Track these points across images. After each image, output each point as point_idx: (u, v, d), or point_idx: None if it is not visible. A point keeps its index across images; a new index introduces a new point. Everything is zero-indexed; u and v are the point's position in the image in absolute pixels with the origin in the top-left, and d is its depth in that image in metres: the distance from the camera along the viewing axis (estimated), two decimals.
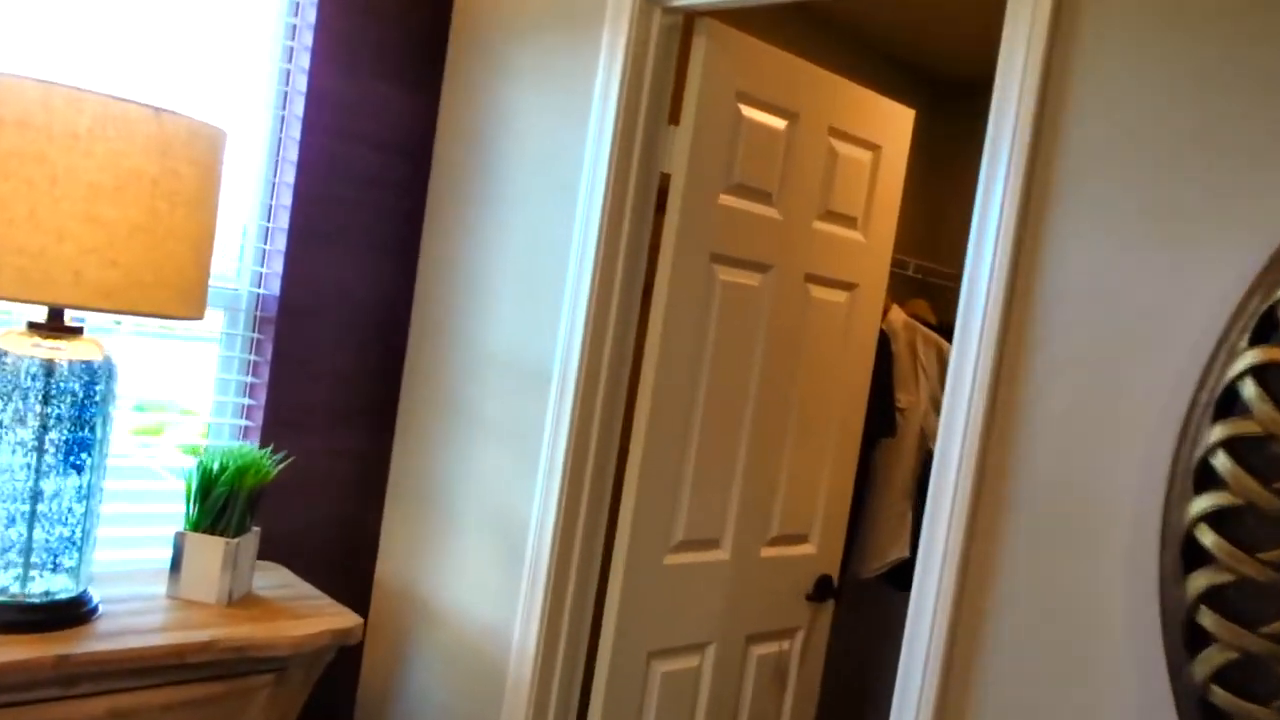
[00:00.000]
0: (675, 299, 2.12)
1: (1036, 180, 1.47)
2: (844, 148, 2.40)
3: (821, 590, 2.57)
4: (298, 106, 2.24)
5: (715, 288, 2.20)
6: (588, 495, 2.11)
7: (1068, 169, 1.45)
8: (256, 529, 1.96)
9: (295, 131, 2.24)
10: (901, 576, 3.23)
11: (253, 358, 2.26)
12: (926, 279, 3.26)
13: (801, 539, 2.52)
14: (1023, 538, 1.46)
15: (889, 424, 2.94)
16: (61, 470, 1.60)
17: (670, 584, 2.23)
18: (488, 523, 2.21)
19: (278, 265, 2.24)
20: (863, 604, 3.46)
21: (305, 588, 2.07)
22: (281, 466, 2.24)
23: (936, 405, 3.13)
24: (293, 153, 2.24)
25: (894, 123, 2.53)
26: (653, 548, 2.18)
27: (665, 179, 2.13)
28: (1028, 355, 1.46)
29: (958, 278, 3.31)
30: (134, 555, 2.15)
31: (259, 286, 2.27)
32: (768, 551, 2.44)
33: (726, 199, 2.17)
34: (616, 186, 2.05)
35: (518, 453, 2.16)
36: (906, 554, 3.14)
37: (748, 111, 2.18)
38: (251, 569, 1.97)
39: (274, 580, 2.09)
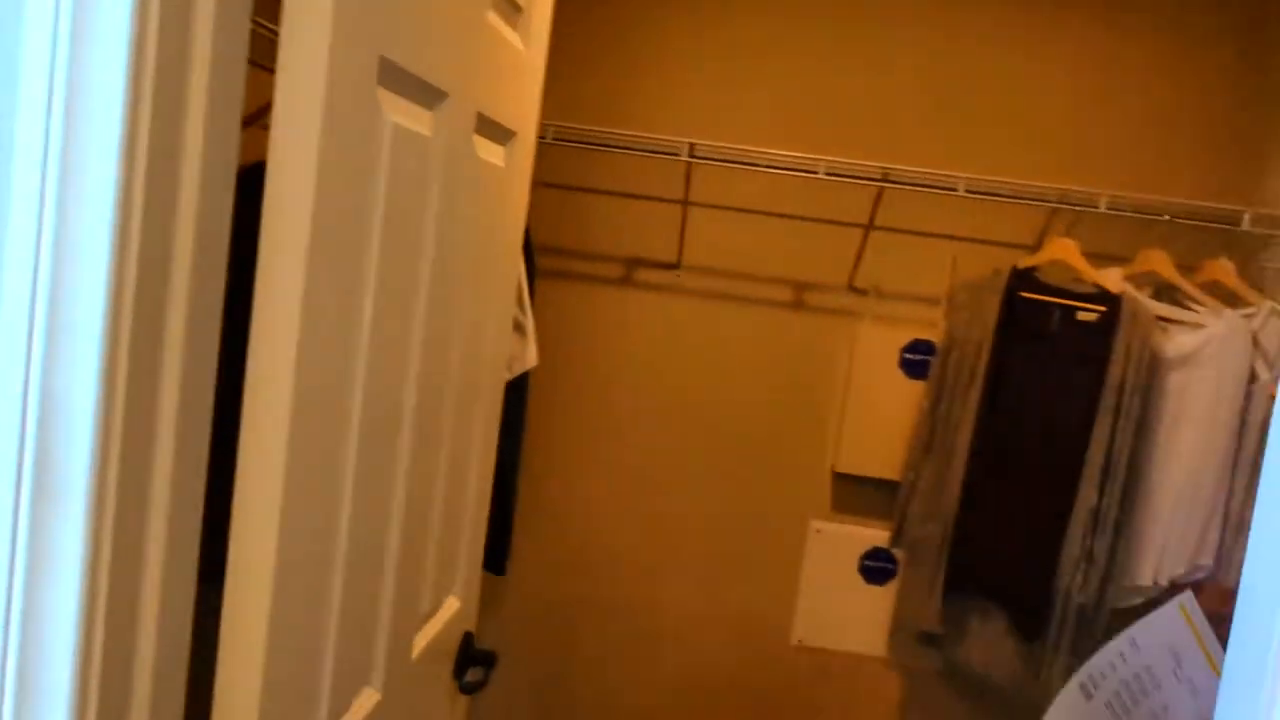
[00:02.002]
0: (330, 174, 0.84)
1: None
2: None
3: (463, 663, 1.51)
4: None
5: (383, 142, 0.95)
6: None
7: None
8: None
9: None
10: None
11: None
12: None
13: (446, 590, 1.42)
14: None
15: None
16: None
17: None
18: None
19: None
20: None
21: None
22: None
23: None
24: None
25: None
26: None
27: None
28: None
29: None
30: None
31: None
32: (421, 638, 1.30)
33: None
34: None
35: None
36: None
37: None
38: None
39: None
